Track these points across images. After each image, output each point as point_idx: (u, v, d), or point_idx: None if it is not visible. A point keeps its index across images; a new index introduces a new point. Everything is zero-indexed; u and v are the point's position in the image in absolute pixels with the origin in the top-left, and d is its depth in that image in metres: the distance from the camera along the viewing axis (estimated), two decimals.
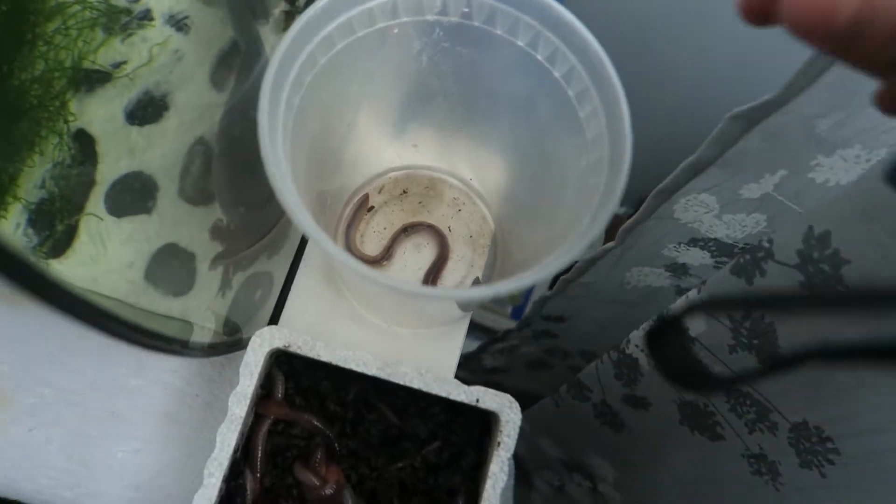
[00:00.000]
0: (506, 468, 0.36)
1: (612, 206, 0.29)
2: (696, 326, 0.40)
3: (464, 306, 0.44)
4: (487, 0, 0.34)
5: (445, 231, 0.48)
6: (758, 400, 0.41)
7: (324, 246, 0.28)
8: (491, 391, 0.37)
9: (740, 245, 0.46)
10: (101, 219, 0.27)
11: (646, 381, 0.49)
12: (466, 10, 0.35)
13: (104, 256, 0.27)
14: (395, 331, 0.46)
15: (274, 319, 0.45)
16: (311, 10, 0.31)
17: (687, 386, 0.30)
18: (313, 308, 0.46)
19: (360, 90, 0.40)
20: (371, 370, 0.37)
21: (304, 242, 0.49)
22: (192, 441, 0.43)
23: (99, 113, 0.27)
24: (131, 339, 0.26)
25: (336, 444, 0.38)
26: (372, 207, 0.49)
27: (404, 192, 0.50)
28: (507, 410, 0.37)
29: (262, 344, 0.37)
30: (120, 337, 0.25)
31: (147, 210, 0.29)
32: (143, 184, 0.28)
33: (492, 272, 0.48)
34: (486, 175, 0.48)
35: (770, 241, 0.33)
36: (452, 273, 0.47)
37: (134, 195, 0.28)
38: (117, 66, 0.27)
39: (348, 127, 0.42)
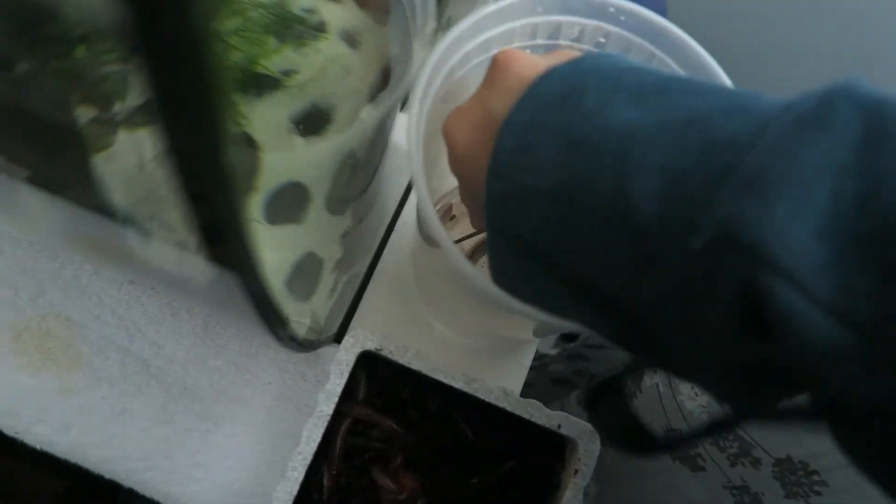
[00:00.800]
0: (580, 496, 0.37)
1: None
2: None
3: (538, 331, 0.45)
4: (626, 34, 0.34)
5: None
6: (740, 436, 0.41)
7: (456, 260, 0.28)
8: (573, 419, 0.38)
9: None
10: (262, 223, 0.28)
11: (638, 402, 0.49)
12: (602, 40, 0.35)
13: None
14: (462, 343, 0.47)
15: (346, 321, 0.46)
16: (458, 28, 0.32)
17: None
18: (385, 312, 0.46)
19: None
20: (458, 384, 0.38)
21: (381, 246, 0.49)
22: (260, 427, 0.43)
23: (265, 119, 0.27)
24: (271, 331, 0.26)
25: (413, 452, 0.39)
26: (454, 217, 0.50)
27: None
28: (586, 439, 0.38)
29: (354, 344, 0.38)
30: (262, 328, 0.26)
31: (298, 220, 0.29)
32: (299, 194, 0.28)
33: None
34: None
35: None
36: None
37: (289, 204, 0.28)
38: (287, 73, 0.28)
39: None
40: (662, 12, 0.35)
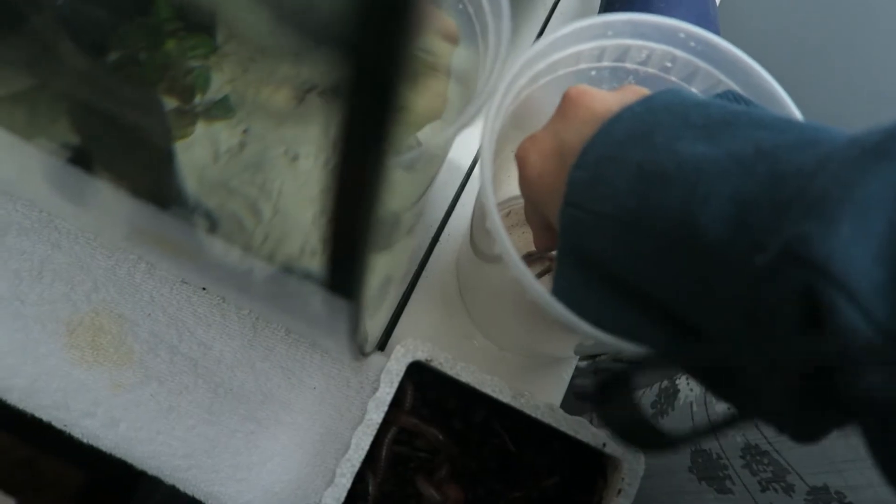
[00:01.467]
0: None
1: None
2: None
3: (580, 349, 0.45)
4: (693, 59, 0.35)
5: None
6: (776, 460, 0.41)
7: (522, 276, 0.29)
8: None
9: None
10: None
11: (669, 419, 0.49)
12: (669, 64, 0.36)
13: None
14: (501, 356, 0.47)
15: (388, 330, 0.47)
16: (531, 51, 0.32)
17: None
18: (426, 322, 0.47)
19: (531, 123, 0.41)
20: (505, 398, 0.38)
21: (426, 257, 0.50)
22: (303, 431, 0.44)
23: None
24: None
25: (458, 463, 0.39)
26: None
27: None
28: (631, 458, 0.38)
29: (405, 354, 0.38)
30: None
31: (390, 247, 0.30)
32: (395, 222, 0.29)
33: None
34: None
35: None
36: None
37: (389, 232, 0.29)
38: (401, 111, 0.28)
39: (505, 152, 0.43)
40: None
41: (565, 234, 0.26)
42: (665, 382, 0.61)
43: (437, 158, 0.29)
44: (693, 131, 0.23)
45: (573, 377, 0.88)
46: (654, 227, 0.22)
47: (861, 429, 0.19)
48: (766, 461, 0.42)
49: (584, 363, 0.84)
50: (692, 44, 0.32)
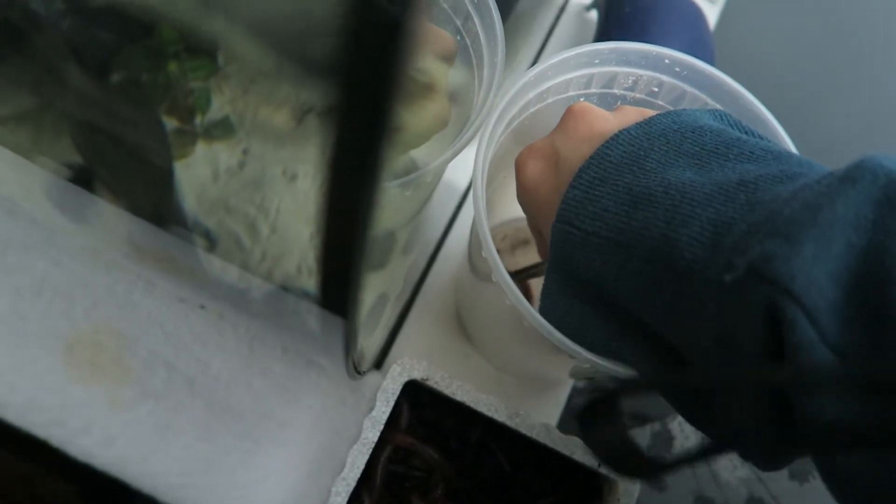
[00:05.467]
0: None
1: None
2: None
3: (574, 372, 0.45)
4: (680, 84, 0.35)
5: None
6: None
7: (512, 295, 0.29)
8: None
9: None
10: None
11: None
12: (656, 89, 0.36)
13: None
14: (498, 376, 0.48)
15: (385, 348, 0.47)
16: (521, 81, 0.33)
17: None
18: (424, 342, 0.47)
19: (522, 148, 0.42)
20: (501, 417, 0.38)
21: (422, 276, 0.50)
22: (299, 450, 0.44)
23: None
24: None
25: (453, 482, 0.39)
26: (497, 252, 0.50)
27: (526, 241, 0.51)
28: (627, 479, 0.38)
29: (401, 373, 0.38)
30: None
31: (384, 265, 0.31)
32: (390, 241, 0.30)
33: None
34: None
35: None
36: None
37: (382, 251, 0.30)
38: (396, 131, 0.29)
39: (504, 178, 0.44)
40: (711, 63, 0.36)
41: (555, 249, 0.27)
42: (657, 426, 0.60)
43: (434, 180, 0.30)
44: (685, 159, 0.24)
45: (570, 398, 0.88)
46: (638, 246, 0.23)
47: (812, 453, 0.20)
48: None
49: (582, 384, 0.84)
50: (677, 69, 0.33)
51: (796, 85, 0.72)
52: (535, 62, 0.59)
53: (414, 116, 0.30)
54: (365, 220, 0.14)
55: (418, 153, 0.32)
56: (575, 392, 0.87)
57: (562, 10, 0.59)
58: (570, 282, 0.28)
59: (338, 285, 0.17)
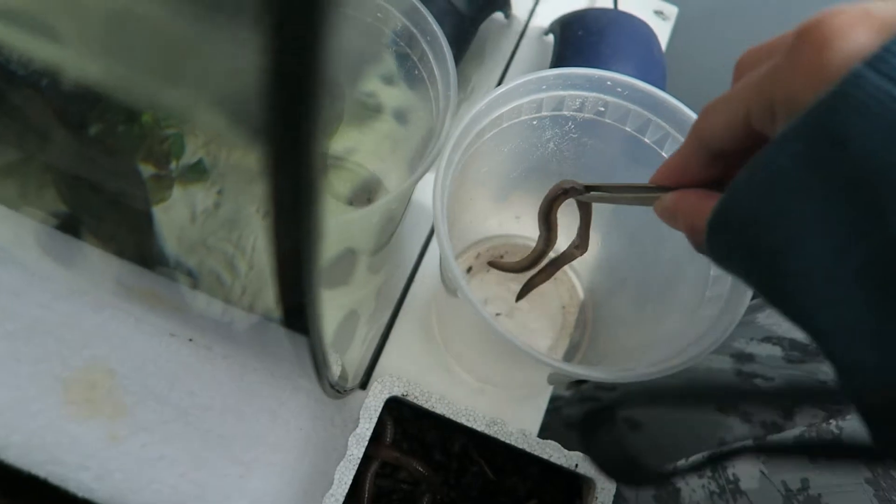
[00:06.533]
0: None
1: (745, 303, 0.32)
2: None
3: (552, 379, 0.47)
4: (623, 103, 0.38)
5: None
6: None
7: (475, 306, 0.31)
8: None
9: (814, 344, 0.49)
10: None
11: None
12: (602, 108, 0.39)
13: None
14: (482, 388, 0.49)
15: (370, 368, 0.49)
16: (474, 110, 0.36)
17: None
18: (408, 360, 0.49)
19: (489, 170, 0.44)
20: (479, 426, 0.40)
21: (402, 296, 0.52)
22: (291, 471, 0.45)
23: (331, 194, 0.31)
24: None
25: (438, 493, 0.41)
26: (470, 268, 0.53)
27: (500, 257, 0.54)
28: (603, 478, 0.40)
29: (382, 390, 0.40)
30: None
31: (347, 282, 0.32)
32: (350, 259, 0.32)
33: (578, 345, 0.52)
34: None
35: (840, 428, 0.36)
36: (540, 342, 0.50)
37: (343, 269, 0.31)
38: (350, 152, 0.31)
39: (470, 199, 0.46)
40: (662, 86, 0.39)
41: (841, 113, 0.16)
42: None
43: (399, 205, 0.32)
44: None
45: (559, 407, 0.90)
46: None
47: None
48: None
49: (568, 392, 0.86)
50: (619, 89, 0.36)
51: None
52: (500, 82, 0.62)
53: (365, 136, 0.32)
54: (308, 244, 0.16)
55: (387, 177, 0.35)
56: (564, 402, 0.88)
57: (521, 35, 0.62)
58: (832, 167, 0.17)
59: (295, 304, 0.19)
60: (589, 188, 0.31)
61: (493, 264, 0.44)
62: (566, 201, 0.34)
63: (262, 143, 0.13)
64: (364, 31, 0.33)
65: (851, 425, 0.37)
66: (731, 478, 0.44)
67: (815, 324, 0.18)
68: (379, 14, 0.33)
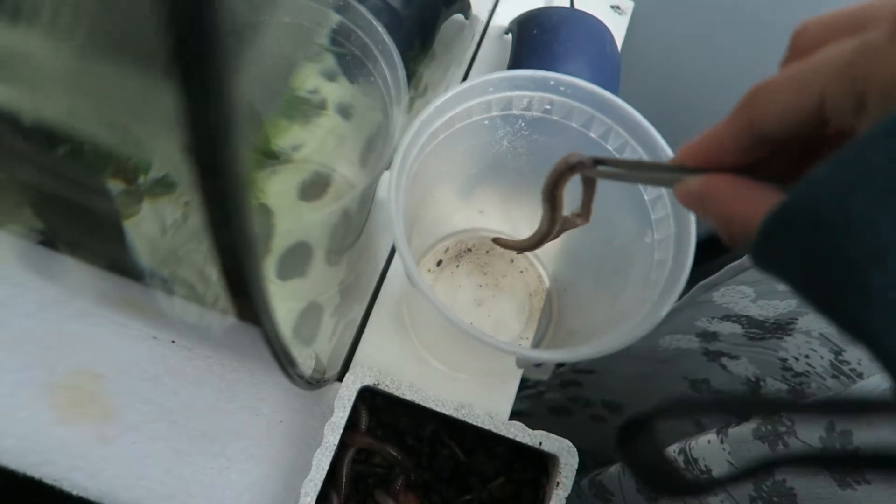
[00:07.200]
0: None
1: (679, 287, 0.35)
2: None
3: (521, 362, 0.50)
4: (567, 101, 0.40)
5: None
6: None
7: (428, 295, 0.33)
8: (553, 436, 0.42)
9: (771, 320, 0.52)
10: (274, 281, 0.33)
11: None
12: (548, 107, 0.41)
13: None
14: (454, 376, 0.52)
15: (346, 362, 0.51)
16: (425, 113, 0.38)
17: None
18: (383, 352, 0.51)
19: (448, 168, 0.46)
20: (448, 410, 0.42)
21: (376, 291, 0.54)
22: (273, 463, 0.47)
23: (278, 190, 0.33)
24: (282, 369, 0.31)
25: (412, 475, 0.43)
26: (440, 262, 0.55)
27: (468, 250, 0.56)
28: (565, 454, 0.42)
29: (354, 381, 0.43)
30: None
31: (303, 274, 0.35)
32: (304, 252, 0.34)
33: (545, 330, 0.54)
34: None
35: (791, 420, 0.38)
36: (510, 329, 0.53)
37: (296, 261, 0.34)
38: (295, 148, 0.34)
39: (432, 197, 0.48)
40: (614, 89, 0.41)
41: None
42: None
43: (356, 203, 0.34)
44: None
45: (542, 392, 0.92)
46: None
47: None
48: None
49: (547, 377, 0.88)
50: (562, 88, 0.38)
51: (701, 86, 0.78)
52: (464, 79, 0.64)
53: (309, 133, 0.34)
54: (242, 236, 0.18)
55: (336, 171, 0.36)
56: (547, 387, 0.91)
57: (483, 34, 0.64)
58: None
59: (241, 293, 0.21)
60: (598, 161, 0.28)
61: (497, 241, 0.44)
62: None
63: (186, 154, 0.15)
64: (296, 33, 0.34)
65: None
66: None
67: (886, 345, 0.16)
68: (310, 15, 0.35)
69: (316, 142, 0.35)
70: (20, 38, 0.20)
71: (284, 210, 0.33)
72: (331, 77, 0.36)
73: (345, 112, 0.36)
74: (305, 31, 0.33)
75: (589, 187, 0.33)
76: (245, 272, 0.19)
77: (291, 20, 0.32)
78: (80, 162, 0.30)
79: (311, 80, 0.34)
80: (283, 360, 0.27)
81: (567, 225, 0.38)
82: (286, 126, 0.33)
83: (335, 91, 0.36)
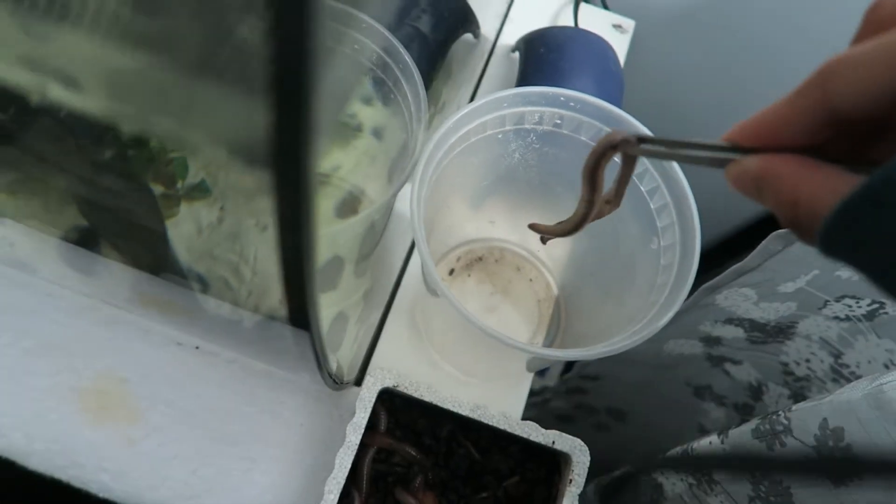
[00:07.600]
0: (576, 502, 0.43)
1: (686, 288, 0.37)
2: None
3: (530, 365, 0.52)
4: (577, 116, 0.43)
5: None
6: None
7: (449, 297, 0.35)
8: (565, 435, 0.44)
9: (772, 323, 0.54)
10: None
11: None
12: (559, 121, 0.44)
13: None
14: (466, 381, 0.54)
15: (363, 366, 0.53)
16: (445, 126, 0.40)
17: None
18: (398, 357, 0.53)
19: (462, 180, 0.49)
20: (464, 411, 0.44)
21: (391, 298, 0.56)
22: (293, 464, 0.49)
23: (319, 210, 0.35)
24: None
25: (430, 474, 0.45)
26: (452, 270, 0.57)
27: (479, 259, 0.58)
28: (578, 452, 0.44)
29: (374, 383, 0.44)
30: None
31: (335, 286, 0.37)
32: (337, 265, 0.36)
33: (554, 336, 0.56)
34: (553, 248, 0.57)
35: (788, 419, 0.40)
36: (520, 335, 0.55)
37: (332, 274, 0.36)
38: (334, 170, 0.36)
39: (447, 207, 0.51)
40: (618, 105, 0.43)
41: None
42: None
43: (381, 217, 0.36)
44: None
45: (548, 400, 0.94)
46: None
47: None
48: None
49: (553, 383, 0.90)
50: (571, 104, 0.41)
51: (699, 103, 0.80)
52: (472, 98, 0.66)
53: (347, 154, 0.36)
54: (307, 252, 0.21)
55: (367, 189, 0.39)
56: (553, 394, 0.92)
57: (491, 53, 0.67)
58: None
59: (298, 304, 0.23)
60: (642, 140, 0.26)
61: (533, 226, 0.43)
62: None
63: (264, 170, 0.17)
64: (345, 62, 0.37)
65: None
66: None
67: None
68: (356, 46, 0.38)
69: (351, 163, 0.37)
70: (94, 45, 0.22)
71: (323, 227, 0.35)
72: (367, 101, 0.38)
73: (378, 134, 0.39)
74: (354, 61, 0.36)
75: (628, 168, 0.31)
76: (305, 283, 0.21)
77: (344, 48, 0.35)
78: (125, 165, 0.33)
79: (352, 105, 0.37)
80: (323, 363, 0.29)
81: (597, 214, 0.37)
82: (327, 149, 0.36)
83: (371, 115, 0.39)
